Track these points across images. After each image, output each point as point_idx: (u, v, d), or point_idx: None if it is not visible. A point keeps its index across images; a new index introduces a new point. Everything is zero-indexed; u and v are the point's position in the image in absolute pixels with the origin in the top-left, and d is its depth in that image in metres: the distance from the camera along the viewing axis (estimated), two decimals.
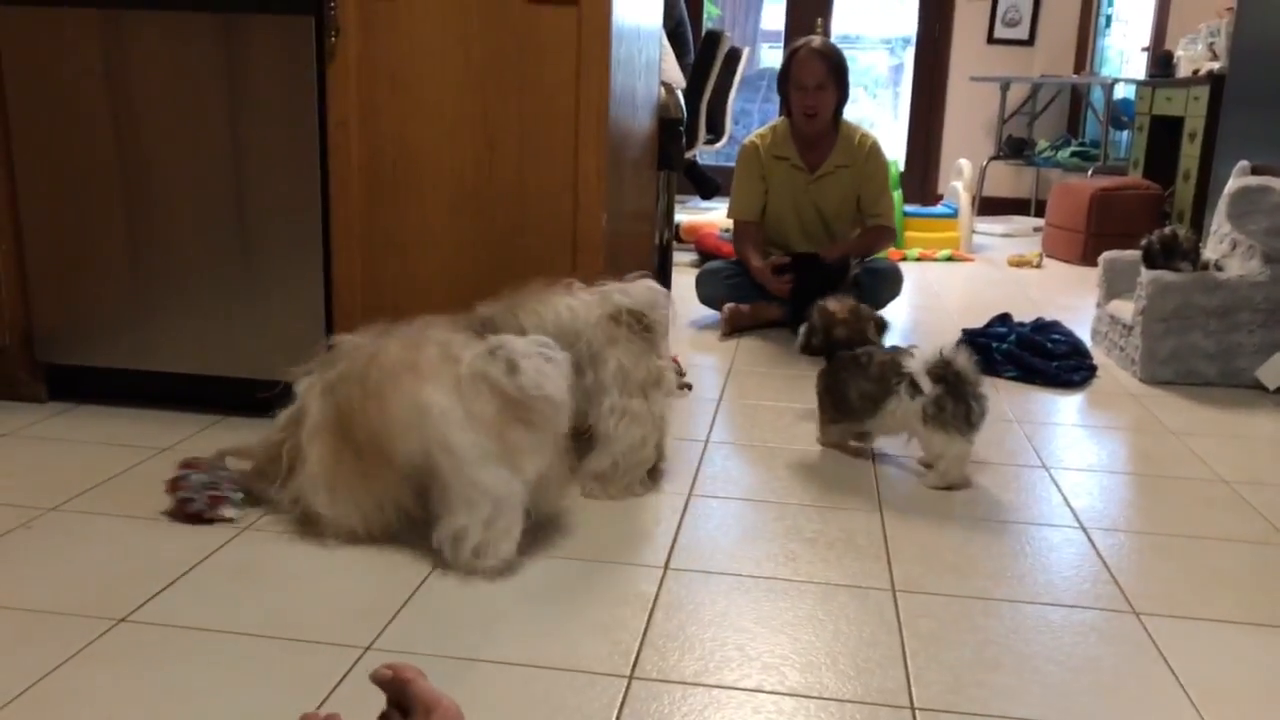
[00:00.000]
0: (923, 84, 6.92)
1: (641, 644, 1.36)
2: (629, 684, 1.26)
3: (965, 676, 1.31)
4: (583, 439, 1.87)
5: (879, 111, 7.74)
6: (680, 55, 4.01)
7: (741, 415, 2.41)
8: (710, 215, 5.04)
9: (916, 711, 1.23)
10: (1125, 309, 2.95)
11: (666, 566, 1.59)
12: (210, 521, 1.66)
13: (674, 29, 4.11)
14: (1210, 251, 2.96)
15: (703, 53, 4.24)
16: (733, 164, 3.54)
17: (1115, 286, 3.12)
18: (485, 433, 1.48)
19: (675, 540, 1.69)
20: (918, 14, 6.87)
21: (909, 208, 5.39)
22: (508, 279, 1.97)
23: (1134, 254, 3.00)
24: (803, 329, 2.21)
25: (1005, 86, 6.40)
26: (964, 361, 1.94)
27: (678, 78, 3.53)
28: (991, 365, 2.83)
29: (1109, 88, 5.82)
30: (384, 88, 2.04)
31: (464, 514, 1.49)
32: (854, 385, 2.07)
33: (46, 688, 1.21)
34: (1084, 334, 3.10)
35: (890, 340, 2.80)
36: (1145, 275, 2.80)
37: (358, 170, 2.08)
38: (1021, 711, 1.23)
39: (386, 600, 1.45)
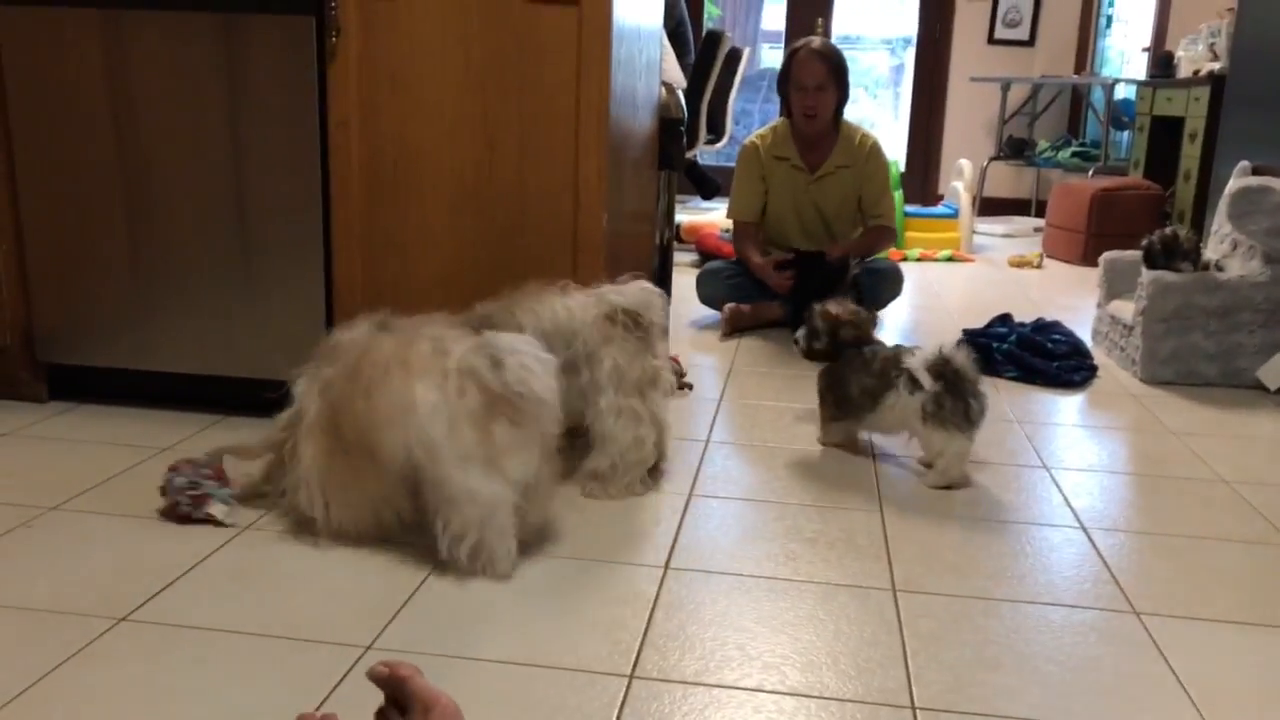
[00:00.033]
0: (923, 84, 6.92)
1: (642, 643, 1.36)
2: (629, 683, 1.26)
3: (966, 676, 1.31)
4: (580, 439, 1.88)
5: (879, 112, 7.74)
6: (681, 55, 4.01)
7: (742, 415, 2.41)
8: (711, 215, 5.04)
9: (917, 711, 1.23)
10: (1126, 309, 2.95)
11: (667, 566, 1.59)
12: (201, 521, 1.66)
13: (674, 29, 4.11)
14: (1211, 252, 2.96)
15: (703, 53, 4.24)
16: (733, 164, 3.54)
17: (1116, 287, 3.12)
18: (470, 429, 1.46)
19: (676, 540, 1.69)
20: (918, 14, 6.87)
21: (910, 208, 5.39)
22: (508, 279, 1.97)
23: (1134, 254, 3.00)
24: (801, 334, 2.20)
25: (1006, 87, 6.40)
26: (963, 359, 1.94)
27: (678, 78, 3.53)
28: (992, 365, 2.83)
29: (1109, 88, 5.82)
30: (384, 88, 2.04)
31: (449, 513, 1.48)
32: (856, 380, 2.07)
33: (47, 687, 1.21)
34: (1084, 334, 3.10)
35: (891, 340, 2.81)
36: (1146, 275, 2.80)
37: (358, 170, 2.08)
38: (1022, 711, 1.23)
39: (387, 599, 1.45)
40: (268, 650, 1.31)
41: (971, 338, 2.91)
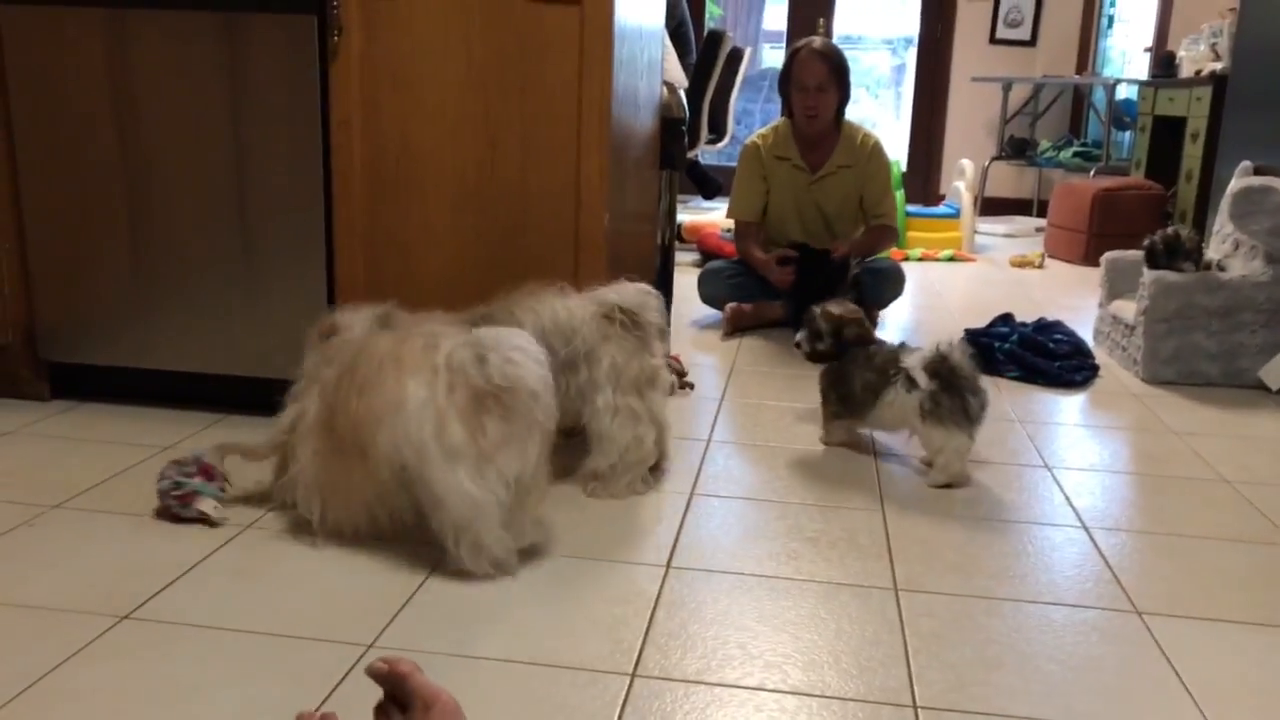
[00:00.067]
0: (925, 84, 6.92)
1: (644, 642, 1.36)
2: (631, 682, 1.26)
3: (967, 675, 1.30)
4: (575, 438, 1.88)
5: (881, 112, 7.74)
6: (682, 55, 4.01)
7: (743, 414, 2.41)
8: (712, 215, 5.04)
9: (919, 710, 1.23)
10: (1127, 309, 2.95)
11: (668, 565, 1.59)
12: (193, 520, 1.65)
13: (676, 29, 4.11)
14: (1213, 252, 2.96)
15: (705, 53, 4.24)
16: (734, 164, 3.54)
17: (1117, 287, 3.12)
18: (459, 425, 1.44)
19: (677, 539, 1.69)
20: (919, 14, 6.87)
21: (911, 208, 5.39)
22: (510, 278, 1.97)
23: (1136, 254, 3.00)
24: (802, 337, 2.19)
25: (1007, 87, 6.39)
26: (959, 357, 1.95)
27: (680, 77, 3.53)
28: (994, 365, 2.83)
29: (1111, 88, 5.81)
30: (386, 87, 2.04)
31: (439, 513, 1.47)
32: (859, 376, 2.08)
33: (49, 685, 1.21)
34: (1086, 334, 3.10)
35: (893, 340, 2.80)
36: (1147, 275, 2.80)
37: (360, 169, 2.08)
38: (1024, 711, 1.23)
39: (388, 598, 1.45)
40: (269, 648, 1.31)
41: (973, 337, 2.91)
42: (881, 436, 2.22)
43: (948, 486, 1.97)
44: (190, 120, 2.07)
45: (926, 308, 3.80)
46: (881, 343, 2.16)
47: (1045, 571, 1.62)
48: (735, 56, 4.50)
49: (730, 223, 3.80)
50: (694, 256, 4.56)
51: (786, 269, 3.25)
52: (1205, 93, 4.62)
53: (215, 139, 2.08)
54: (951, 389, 1.94)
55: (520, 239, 2.09)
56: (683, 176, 3.57)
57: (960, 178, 5.40)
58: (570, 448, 1.87)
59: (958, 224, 5.25)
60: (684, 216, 4.91)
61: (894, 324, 3.49)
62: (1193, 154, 4.74)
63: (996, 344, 2.88)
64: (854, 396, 2.10)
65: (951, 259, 5.00)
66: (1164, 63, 5.26)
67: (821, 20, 6.78)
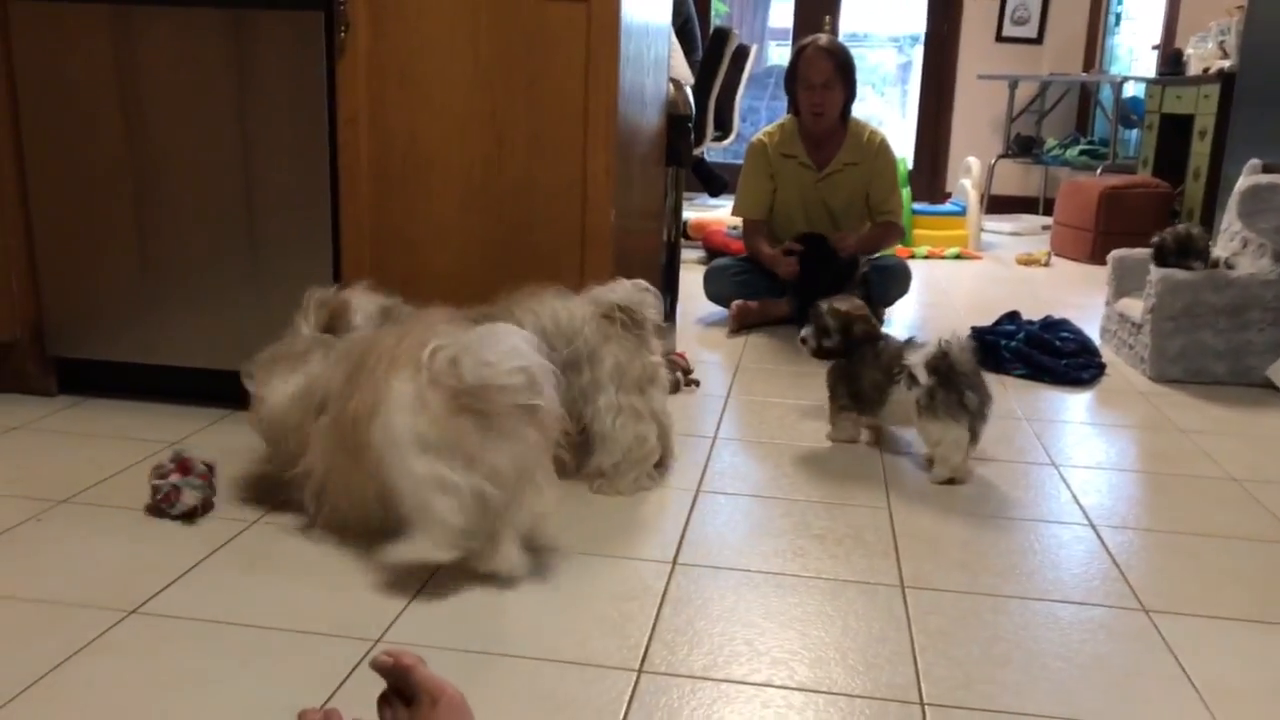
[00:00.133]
0: (931, 82, 6.91)
1: (650, 638, 1.36)
2: (638, 678, 1.26)
3: (974, 673, 1.30)
4: (579, 438, 1.87)
5: (887, 110, 7.73)
6: (688, 52, 4.01)
7: (749, 412, 2.40)
8: (718, 212, 5.04)
9: (926, 707, 1.22)
10: (1134, 307, 2.95)
11: (675, 562, 1.59)
12: (180, 518, 1.66)
13: (682, 26, 4.10)
14: (1220, 249, 2.95)
15: (710, 50, 4.24)
16: (740, 161, 3.54)
17: (1124, 284, 3.11)
18: (432, 420, 1.41)
19: (683, 536, 1.69)
20: (926, 12, 6.85)
21: (917, 206, 5.38)
22: (516, 275, 1.97)
23: (1143, 252, 2.99)
24: (808, 333, 2.19)
25: (1014, 85, 6.38)
26: (958, 352, 1.95)
27: (686, 75, 3.53)
28: (1000, 363, 2.82)
29: (1118, 86, 5.80)
30: (393, 83, 2.04)
31: (400, 497, 1.42)
32: (867, 375, 2.09)
33: (59, 678, 1.22)
34: (1093, 332, 3.09)
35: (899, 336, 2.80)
36: (1155, 273, 2.80)
37: (367, 166, 2.08)
38: (1030, 708, 1.23)
39: (396, 593, 1.45)
40: (277, 643, 1.31)
41: (980, 335, 2.91)
42: (890, 433, 2.22)
43: (951, 482, 1.97)
44: (197, 116, 2.08)
45: (932, 305, 3.80)
46: (888, 338, 2.16)
47: (1052, 569, 1.62)
48: (741, 54, 4.50)
49: (736, 220, 3.80)
50: (700, 254, 4.56)
51: (791, 259, 3.25)
52: (1213, 90, 4.61)
53: (222, 135, 2.08)
54: (948, 383, 1.95)
55: (527, 236, 2.09)
56: (689, 174, 3.56)
57: (966, 175, 5.40)
58: (575, 446, 1.87)
59: (964, 222, 5.24)
60: (690, 214, 4.91)
61: (900, 322, 3.49)
62: (1200, 152, 4.72)
63: (1003, 342, 2.87)
64: (864, 394, 2.10)
65: (958, 257, 4.99)
66: (1171, 60, 5.25)
67: (827, 17, 6.77)
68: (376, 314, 1.85)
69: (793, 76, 3.35)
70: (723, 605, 1.46)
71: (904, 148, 6.78)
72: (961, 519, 1.81)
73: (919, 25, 6.95)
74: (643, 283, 1.89)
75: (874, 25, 7.56)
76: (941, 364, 1.96)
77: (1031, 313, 3.18)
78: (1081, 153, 6.09)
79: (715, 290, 3.43)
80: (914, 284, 3.55)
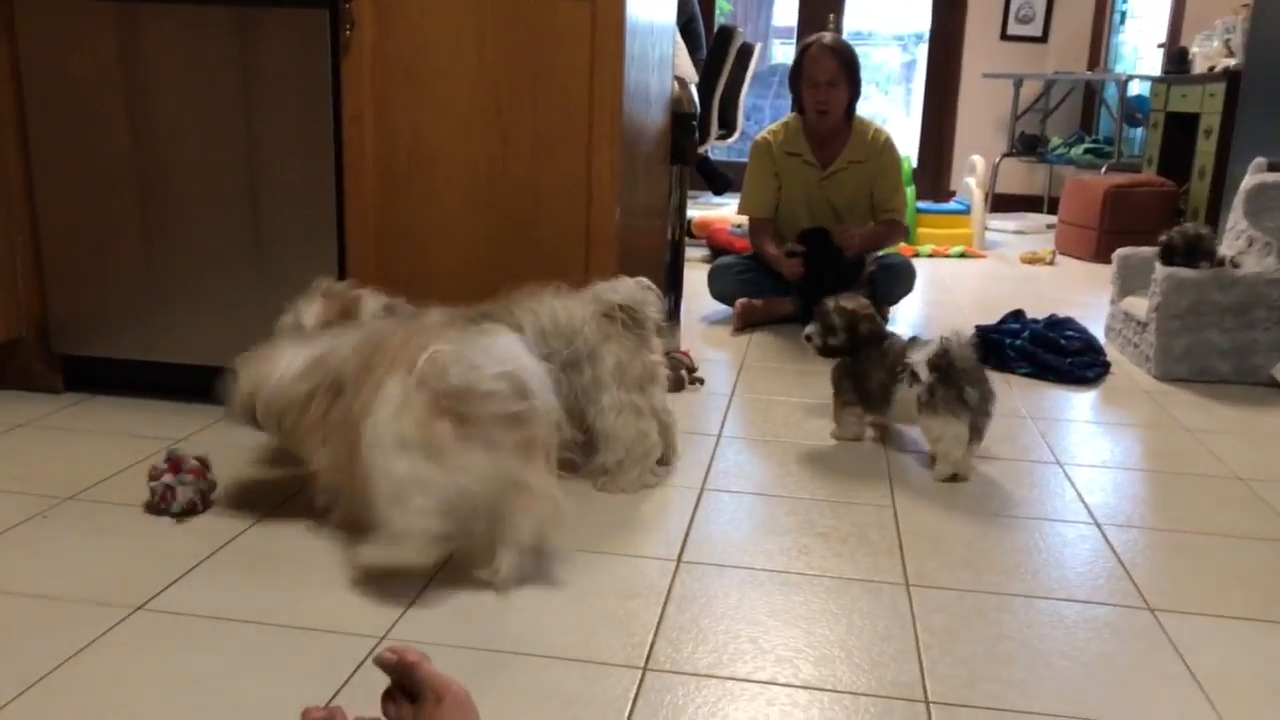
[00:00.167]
0: (935, 80, 6.90)
1: (655, 636, 1.36)
2: (643, 675, 1.26)
3: (979, 671, 1.30)
4: (583, 437, 1.87)
5: (891, 108, 7.72)
6: (692, 50, 4.00)
7: (754, 410, 2.40)
8: (722, 210, 5.03)
9: (931, 705, 1.22)
10: (1139, 305, 2.94)
11: (679, 560, 1.59)
12: (179, 515, 1.66)
13: (686, 24, 4.10)
14: (1226, 248, 2.94)
15: (715, 48, 4.24)
16: (745, 159, 3.54)
17: (1129, 283, 3.11)
18: (414, 421, 1.40)
19: (688, 534, 1.69)
20: (930, 10, 6.84)
21: (922, 204, 5.37)
22: (521, 273, 1.97)
23: (1148, 250, 2.99)
24: (813, 330, 2.19)
25: (1018, 83, 6.37)
26: (958, 349, 1.95)
27: (690, 73, 3.52)
28: (1005, 362, 2.82)
29: (1123, 84, 5.79)
30: (398, 82, 2.05)
31: (383, 500, 1.40)
32: (873, 375, 2.09)
33: (64, 675, 1.22)
34: (1098, 331, 3.09)
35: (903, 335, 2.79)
36: (1160, 272, 2.79)
37: (372, 164, 2.08)
38: (1035, 706, 1.23)
39: (401, 590, 1.45)
40: (282, 639, 1.31)
41: (985, 334, 2.91)
42: (895, 431, 2.22)
43: (954, 479, 1.96)
44: (202, 114, 2.08)
45: (937, 304, 3.79)
46: (893, 337, 2.16)
47: (1057, 568, 1.62)
48: (745, 52, 4.50)
49: (740, 218, 3.80)
50: (704, 252, 4.56)
51: (795, 260, 3.25)
52: (1218, 89, 4.60)
53: (227, 133, 2.08)
54: (948, 380, 1.95)
55: (532, 234, 2.09)
56: (693, 172, 3.56)
57: (971, 174, 5.39)
58: (579, 446, 1.87)
59: (968, 220, 5.23)
60: (694, 212, 4.91)
61: (904, 320, 3.48)
62: (1205, 150, 4.71)
63: (1008, 340, 2.87)
64: (870, 393, 2.11)
65: (962, 255, 4.99)
66: (1176, 59, 5.23)
67: (832, 16, 6.76)
68: (381, 312, 1.85)
69: (797, 74, 3.35)
70: (727, 603, 1.46)
71: (908, 146, 6.77)
72: (966, 517, 1.81)
73: (923, 23, 6.94)
74: (645, 281, 1.88)
75: (878, 23, 7.56)
76: (942, 361, 1.96)
77: (1036, 311, 3.18)
78: (1086, 151, 6.08)
79: (720, 288, 3.43)
80: (918, 283, 3.54)
